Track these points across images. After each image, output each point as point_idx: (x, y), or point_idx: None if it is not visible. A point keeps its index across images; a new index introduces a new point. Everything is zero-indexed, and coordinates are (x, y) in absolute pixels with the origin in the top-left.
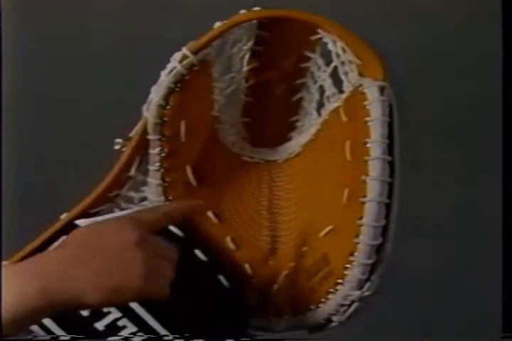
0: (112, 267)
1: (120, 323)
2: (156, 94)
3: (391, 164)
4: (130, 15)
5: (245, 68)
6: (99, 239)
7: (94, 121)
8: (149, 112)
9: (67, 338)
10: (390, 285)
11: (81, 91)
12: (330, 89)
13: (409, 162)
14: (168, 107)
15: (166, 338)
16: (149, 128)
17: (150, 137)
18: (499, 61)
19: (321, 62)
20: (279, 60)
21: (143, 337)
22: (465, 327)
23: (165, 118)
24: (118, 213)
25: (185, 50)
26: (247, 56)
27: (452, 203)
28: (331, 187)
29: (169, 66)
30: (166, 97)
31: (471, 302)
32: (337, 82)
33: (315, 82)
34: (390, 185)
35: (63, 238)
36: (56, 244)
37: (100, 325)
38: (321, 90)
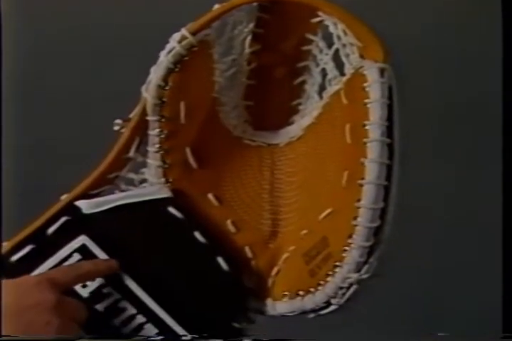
0: (28, 329)
1: (120, 305)
2: (155, 74)
3: (390, 146)
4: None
5: (247, 51)
6: (18, 299)
7: (93, 106)
8: (148, 93)
9: (73, 338)
10: (390, 285)
11: (80, 76)
12: (332, 71)
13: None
14: (167, 88)
15: (184, 338)
16: (148, 109)
17: (149, 118)
18: (499, 61)
19: (322, 44)
20: (281, 43)
21: (161, 337)
22: (465, 327)
23: (164, 99)
24: (112, 196)
25: (184, 31)
26: (249, 38)
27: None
28: (332, 170)
29: (168, 46)
30: (165, 78)
31: (471, 302)
32: (339, 66)
33: (317, 65)
34: (389, 168)
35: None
36: (56, 225)
37: (101, 307)
38: (323, 73)
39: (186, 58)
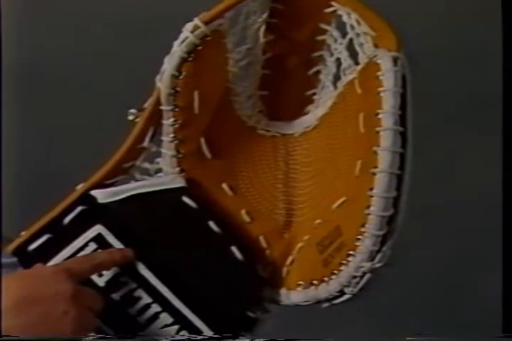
0: (46, 318)
1: (136, 294)
2: (169, 64)
3: (403, 135)
4: None
5: (261, 40)
6: (36, 289)
7: (108, 96)
8: (162, 82)
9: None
10: (390, 285)
11: (96, 66)
12: (346, 61)
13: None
14: (181, 77)
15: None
16: (162, 99)
17: (163, 107)
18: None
19: (336, 34)
20: (295, 33)
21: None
22: (465, 327)
23: (178, 89)
24: (127, 186)
25: (196, 21)
26: (263, 28)
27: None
28: (346, 160)
29: (181, 36)
30: (179, 67)
31: (471, 302)
32: (353, 55)
33: (331, 54)
34: (402, 156)
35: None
36: (72, 215)
37: (116, 296)
38: (338, 63)
39: (200, 48)
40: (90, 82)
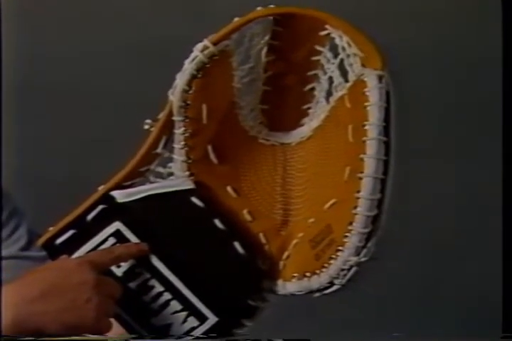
0: (71, 306)
1: (150, 283)
2: (180, 80)
3: (387, 144)
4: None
5: (263, 60)
6: (62, 279)
7: (125, 107)
8: (174, 96)
9: (68, 338)
10: (390, 285)
11: (118, 85)
12: (337, 79)
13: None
14: (191, 92)
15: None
16: (174, 111)
17: (175, 118)
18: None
19: (329, 55)
20: (293, 54)
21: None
22: (465, 327)
23: (188, 102)
24: (143, 187)
25: (206, 41)
26: (265, 49)
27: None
28: (336, 166)
29: (192, 55)
30: (189, 83)
31: (471, 302)
32: (344, 74)
33: (325, 73)
34: (386, 163)
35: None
36: (94, 213)
37: (133, 285)
38: (330, 81)
39: (208, 65)
40: (114, 95)
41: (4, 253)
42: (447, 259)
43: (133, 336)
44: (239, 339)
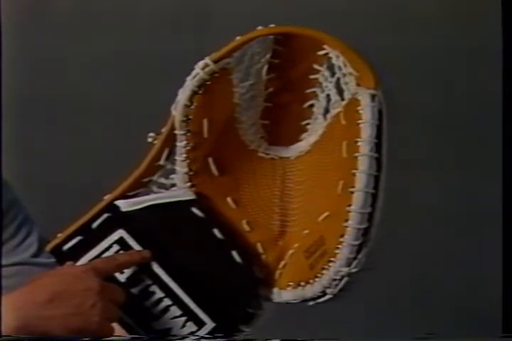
0: (77, 311)
1: (151, 289)
2: (182, 95)
3: (378, 160)
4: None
5: (264, 77)
6: (68, 285)
7: (129, 120)
8: (177, 111)
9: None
10: (390, 287)
11: (125, 100)
12: (334, 97)
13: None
14: (192, 107)
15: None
16: (176, 125)
17: (177, 132)
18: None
19: (327, 73)
20: (293, 72)
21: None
22: (465, 327)
23: (190, 116)
24: (146, 197)
25: (207, 59)
26: (266, 67)
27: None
28: (331, 180)
29: (193, 72)
30: (191, 98)
31: (472, 301)
32: (340, 92)
33: (323, 91)
34: (377, 178)
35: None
36: (99, 220)
37: (135, 291)
38: (328, 98)
39: (209, 82)
40: (119, 110)
41: (16, 259)
42: (447, 259)
43: (134, 336)
44: (239, 339)
